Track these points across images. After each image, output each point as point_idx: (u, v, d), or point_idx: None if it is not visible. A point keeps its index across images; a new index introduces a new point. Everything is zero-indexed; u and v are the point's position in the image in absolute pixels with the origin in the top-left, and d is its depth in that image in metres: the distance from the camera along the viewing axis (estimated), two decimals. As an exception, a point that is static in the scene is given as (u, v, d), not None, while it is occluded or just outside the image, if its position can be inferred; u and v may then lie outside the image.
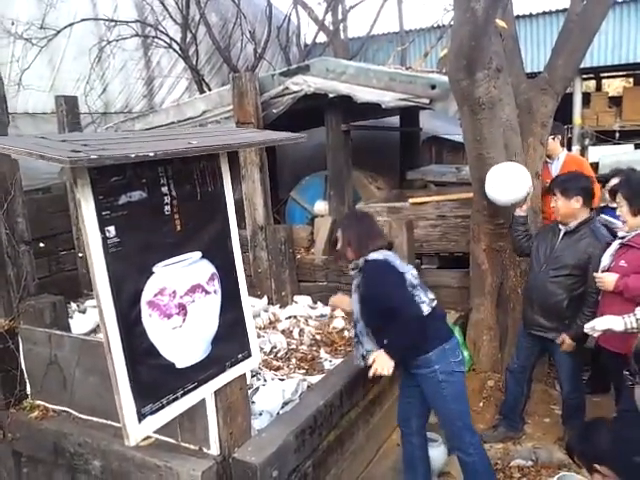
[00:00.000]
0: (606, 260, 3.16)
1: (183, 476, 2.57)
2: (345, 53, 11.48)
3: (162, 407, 2.29)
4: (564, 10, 8.76)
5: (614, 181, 3.84)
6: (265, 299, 5.49)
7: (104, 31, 8.35)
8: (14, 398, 3.32)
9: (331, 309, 5.27)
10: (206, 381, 2.48)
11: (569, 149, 8.48)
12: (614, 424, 2.29)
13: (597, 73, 13.21)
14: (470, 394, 3.91)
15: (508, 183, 3.79)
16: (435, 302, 2.92)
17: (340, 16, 12.04)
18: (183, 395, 2.38)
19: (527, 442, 3.77)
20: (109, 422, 2.94)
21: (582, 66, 6.41)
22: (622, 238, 3.14)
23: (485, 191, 3.97)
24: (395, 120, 7.86)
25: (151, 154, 1.96)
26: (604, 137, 11.17)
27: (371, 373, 2.83)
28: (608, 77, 14.84)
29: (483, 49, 3.71)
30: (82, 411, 3.13)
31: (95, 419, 3.07)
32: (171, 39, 9.07)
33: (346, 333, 4.80)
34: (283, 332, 4.82)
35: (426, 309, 2.84)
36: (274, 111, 5.52)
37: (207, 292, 2.43)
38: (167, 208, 2.29)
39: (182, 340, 2.34)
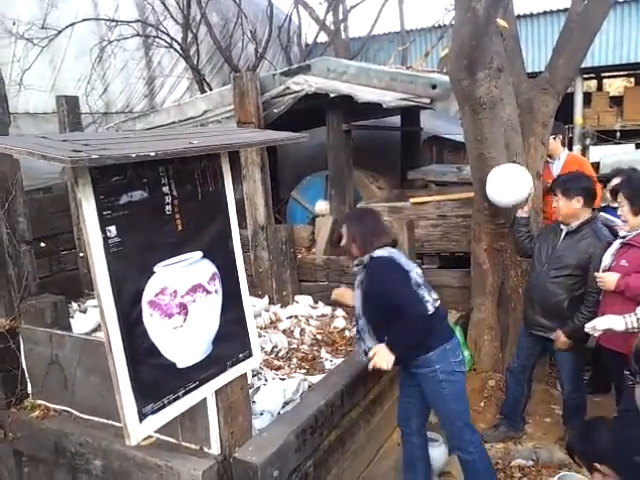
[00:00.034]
0: (607, 259, 3.16)
1: (184, 476, 2.57)
2: (346, 53, 11.48)
3: (163, 407, 2.29)
4: (565, 10, 8.77)
5: (615, 181, 3.84)
6: (266, 299, 5.49)
7: (105, 31, 8.35)
8: (15, 398, 3.32)
9: (332, 309, 5.28)
10: (207, 381, 2.48)
11: (570, 149, 8.47)
12: (615, 424, 2.28)
13: (598, 73, 13.21)
14: (471, 394, 3.92)
15: (509, 185, 3.79)
16: (438, 302, 2.93)
17: (341, 16, 12.04)
18: (184, 395, 2.38)
19: (528, 442, 3.76)
20: (110, 422, 2.95)
21: (583, 66, 6.40)
22: (623, 237, 3.15)
23: (486, 192, 3.97)
24: (396, 120, 7.86)
25: (152, 154, 1.96)
26: (605, 137, 11.17)
27: (370, 366, 2.83)
28: (609, 77, 14.83)
29: (484, 49, 3.71)
30: (83, 411, 3.14)
31: (96, 419, 3.07)
32: (172, 39, 9.08)
33: (347, 333, 4.80)
34: (284, 332, 4.82)
35: (430, 308, 2.84)
36: (275, 111, 5.52)
37: (208, 292, 2.43)
38: (168, 208, 2.29)
39: (183, 340, 2.34)
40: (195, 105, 5.93)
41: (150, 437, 2.64)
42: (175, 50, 9.19)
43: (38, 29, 7.34)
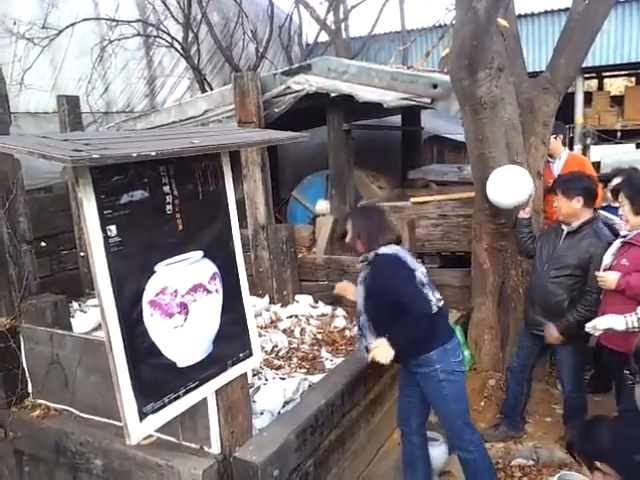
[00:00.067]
0: (608, 259, 3.17)
1: (184, 475, 2.57)
2: (347, 52, 11.49)
3: (163, 406, 2.30)
4: (566, 9, 8.76)
5: (616, 181, 3.84)
6: (266, 298, 5.49)
7: (106, 31, 8.35)
8: (16, 397, 3.33)
9: (332, 308, 5.28)
10: (207, 380, 2.49)
11: (571, 148, 8.47)
12: (615, 423, 2.28)
13: (599, 72, 13.20)
14: (471, 393, 3.92)
15: (510, 186, 3.79)
16: (442, 302, 2.93)
17: (342, 15, 12.04)
18: (184, 394, 2.38)
19: (528, 441, 3.76)
20: (110, 421, 2.95)
21: (584, 65, 6.40)
22: (624, 237, 3.15)
23: (487, 193, 3.96)
24: (397, 119, 7.86)
25: (153, 153, 1.96)
26: (606, 136, 11.16)
27: (369, 358, 2.83)
28: (610, 76, 14.82)
29: (485, 48, 3.71)
30: (83, 410, 3.14)
31: (96, 418, 3.07)
32: (173, 38, 9.08)
33: (347, 332, 4.80)
34: (284, 331, 4.82)
35: (434, 308, 2.85)
36: (276, 110, 5.52)
37: (209, 291, 2.43)
38: (169, 207, 2.29)
39: (183, 339, 2.34)
40: (196, 105, 5.93)
41: (150, 436, 2.65)
42: (176, 50, 9.19)
43: (39, 29, 7.34)
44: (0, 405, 3.30)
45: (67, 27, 7.67)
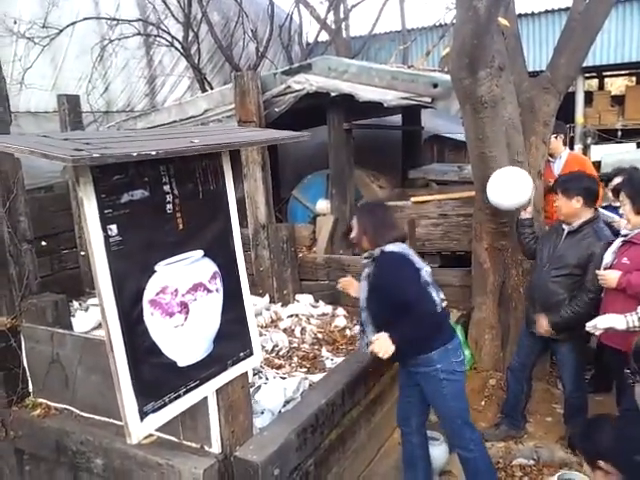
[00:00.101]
0: (608, 257, 3.16)
1: (185, 474, 2.57)
2: (347, 52, 11.50)
3: (164, 405, 2.30)
4: (567, 9, 8.75)
5: (617, 180, 3.84)
6: (267, 298, 5.49)
7: (106, 30, 8.36)
8: (16, 396, 3.33)
9: (333, 308, 5.28)
10: (208, 379, 2.49)
11: (571, 148, 8.48)
12: (616, 422, 2.29)
13: (600, 72, 13.20)
14: (472, 393, 3.93)
15: (510, 188, 3.79)
16: (445, 303, 2.94)
17: (342, 15, 12.05)
18: (185, 393, 2.38)
19: (529, 441, 3.76)
20: (111, 420, 2.95)
21: (584, 65, 6.40)
22: (625, 236, 3.15)
23: (487, 195, 3.96)
24: (397, 119, 7.85)
25: (153, 153, 1.96)
26: (606, 136, 11.17)
27: (369, 350, 2.83)
28: (611, 76, 14.83)
29: (485, 47, 3.70)
30: (84, 409, 3.14)
31: (97, 417, 3.07)
32: (173, 38, 9.08)
33: (348, 332, 4.80)
34: (285, 331, 4.82)
35: (438, 308, 2.85)
36: (276, 110, 5.52)
37: (209, 290, 2.43)
38: (169, 207, 2.29)
39: (184, 338, 2.34)
40: (196, 104, 5.93)
41: (151, 436, 2.65)
42: (176, 49, 9.19)
43: (39, 28, 7.35)
44: (1, 404, 3.30)
45: (67, 26, 7.68)
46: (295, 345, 4.54)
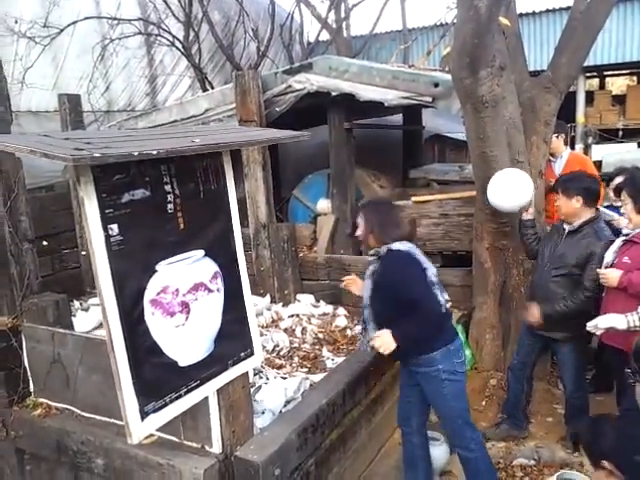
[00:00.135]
0: (609, 256, 3.16)
1: (185, 474, 2.57)
2: (348, 51, 11.50)
3: (165, 405, 2.30)
4: (568, 8, 8.74)
5: (618, 180, 3.84)
6: (268, 297, 5.49)
7: (107, 29, 8.37)
8: (17, 396, 3.33)
9: (333, 307, 5.28)
10: (209, 379, 2.48)
11: (572, 147, 8.47)
12: (617, 422, 2.28)
13: (601, 71, 13.19)
14: (472, 393, 3.93)
15: (510, 190, 3.79)
16: (449, 304, 2.93)
17: (343, 14, 12.04)
18: (186, 393, 2.38)
19: (529, 441, 3.76)
20: (112, 420, 2.95)
21: (586, 64, 6.40)
22: (626, 235, 3.14)
23: (487, 197, 3.96)
24: (398, 118, 7.85)
25: (154, 152, 1.96)
26: (607, 135, 11.17)
27: (370, 344, 2.83)
28: (612, 75, 14.82)
29: (486, 47, 3.70)
30: (85, 409, 3.14)
31: (98, 417, 3.07)
32: (174, 37, 9.08)
33: (348, 332, 4.80)
34: (286, 330, 4.82)
35: (442, 309, 2.85)
36: (277, 109, 5.52)
37: (210, 290, 2.43)
38: (170, 206, 2.28)
39: (185, 338, 2.34)
40: (197, 103, 5.93)
41: (152, 435, 2.65)
42: (177, 48, 9.19)
43: (40, 27, 7.36)
44: (2, 404, 3.30)
45: (68, 26, 7.68)
46: (296, 345, 4.54)
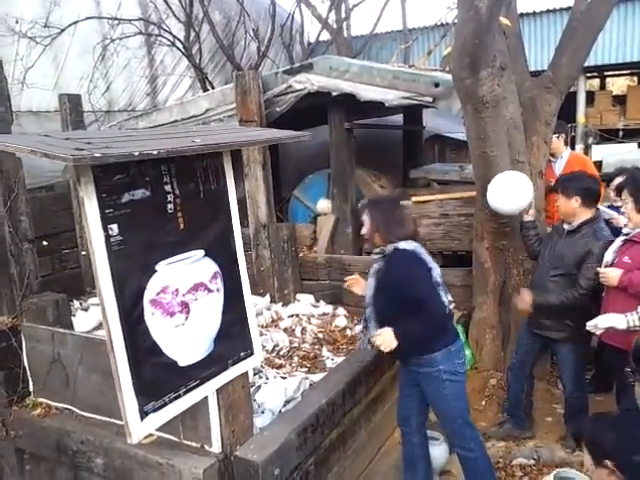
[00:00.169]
0: (609, 256, 3.16)
1: (185, 474, 2.57)
2: (348, 51, 11.50)
3: (164, 405, 2.30)
4: (568, 8, 8.74)
5: (618, 180, 3.83)
6: (268, 297, 5.49)
7: (108, 29, 8.38)
8: (17, 396, 3.33)
9: (333, 307, 5.29)
10: (208, 379, 2.48)
11: (573, 148, 8.47)
12: (617, 422, 2.28)
13: (601, 72, 13.20)
14: (472, 393, 3.93)
15: (510, 193, 3.79)
16: (452, 305, 2.93)
17: (343, 14, 12.05)
18: (185, 393, 2.38)
19: (529, 441, 3.76)
20: (111, 420, 2.95)
21: (586, 64, 6.40)
22: (626, 234, 3.14)
23: (487, 200, 3.95)
24: (398, 118, 7.85)
25: (154, 152, 1.96)
26: (608, 136, 11.17)
27: (372, 341, 2.83)
28: (612, 76, 14.83)
29: (487, 47, 3.70)
30: (85, 409, 3.14)
31: (98, 417, 3.07)
32: (174, 37, 9.09)
33: (348, 332, 4.80)
34: (285, 330, 4.82)
35: (446, 310, 2.85)
36: (277, 109, 5.52)
37: (210, 290, 2.43)
38: (170, 206, 2.29)
39: (185, 338, 2.34)
40: (197, 103, 5.93)
41: (151, 435, 2.65)
42: (177, 48, 9.20)
43: (41, 27, 7.37)
44: (1, 404, 3.30)
45: (69, 26, 7.69)
46: (296, 345, 4.55)
